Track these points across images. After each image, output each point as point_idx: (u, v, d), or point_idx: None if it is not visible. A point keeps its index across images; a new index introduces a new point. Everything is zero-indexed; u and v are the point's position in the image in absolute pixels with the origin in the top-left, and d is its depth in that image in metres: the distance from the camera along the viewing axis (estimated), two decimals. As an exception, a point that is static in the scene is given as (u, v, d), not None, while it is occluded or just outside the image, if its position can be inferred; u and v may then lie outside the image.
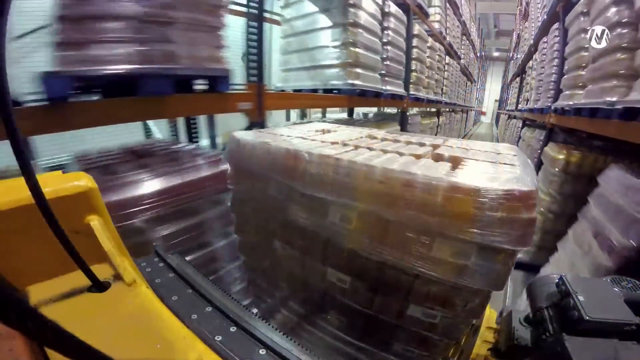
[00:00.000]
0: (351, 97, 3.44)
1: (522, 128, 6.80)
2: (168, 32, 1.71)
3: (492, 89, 28.31)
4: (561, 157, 3.11)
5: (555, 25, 4.11)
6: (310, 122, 2.76)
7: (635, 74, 2.16)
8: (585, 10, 3.00)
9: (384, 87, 4.14)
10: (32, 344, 0.58)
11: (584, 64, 3.00)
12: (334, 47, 3.24)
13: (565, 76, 3.56)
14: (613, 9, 2.35)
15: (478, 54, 17.77)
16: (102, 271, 0.70)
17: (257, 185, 1.65)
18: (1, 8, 0.42)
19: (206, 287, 1.69)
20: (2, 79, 0.45)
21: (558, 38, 3.89)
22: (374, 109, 7.19)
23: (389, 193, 1.14)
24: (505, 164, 1.25)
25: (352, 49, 3.20)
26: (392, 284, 1.32)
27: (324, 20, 3.25)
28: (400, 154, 1.38)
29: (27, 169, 0.51)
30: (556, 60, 3.94)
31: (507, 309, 1.16)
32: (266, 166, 1.55)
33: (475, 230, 1.04)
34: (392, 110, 6.64)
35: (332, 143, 1.54)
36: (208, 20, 1.86)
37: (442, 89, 7.73)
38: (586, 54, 2.96)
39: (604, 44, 2.41)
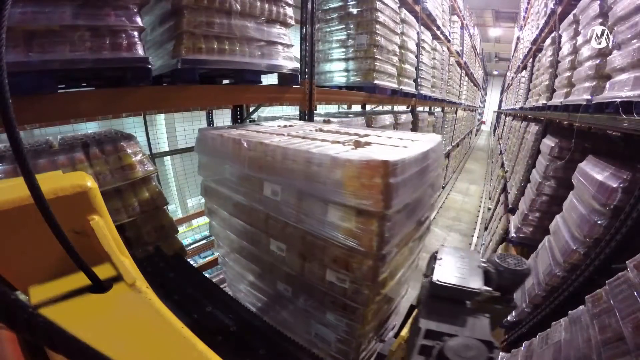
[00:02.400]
0: (417, 100, 5.86)
1: (506, 118, 12.06)
2: (273, 30, 2.22)
3: (492, 96, 32.56)
4: (509, 119, 9.16)
5: (523, 73, 8.00)
6: (278, 118, 3.19)
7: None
8: (529, 73, 6.71)
9: (439, 96, 7.47)
10: (32, 345, 0.58)
11: (531, 90, 6.43)
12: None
13: (530, 92, 6.93)
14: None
15: (483, 70, 22.68)
16: (103, 271, 0.69)
17: (217, 172, 1.97)
18: (0, 10, 0.42)
19: (206, 287, 1.70)
20: (1, 80, 0.45)
21: (524, 79, 7.47)
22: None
23: (297, 168, 1.43)
24: (404, 147, 1.48)
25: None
26: (312, 249, 1.55)
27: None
28: (323, 141, 1.62)
29: (26, 169, 0.50)
30: (522, 84, 7.73)
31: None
32: (221, 154, 1.85)
33: (347, 195, 1.26)
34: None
35: (278, 135, 1.77)
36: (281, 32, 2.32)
37: (459, 96, 11.17)
38: (534, 90, 5.92)
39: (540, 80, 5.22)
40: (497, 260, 0.97)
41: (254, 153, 1.60)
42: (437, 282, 0.90)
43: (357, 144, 1.53)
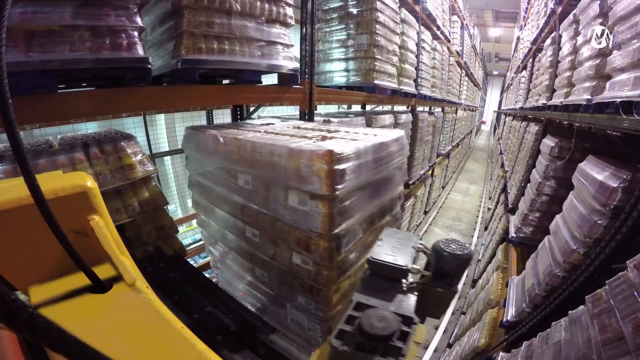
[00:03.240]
0: (417, 99, 5.80)
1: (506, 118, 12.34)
2: (273, 30, 2.23)
3: (492, 96, 32.82)
4: (509, 118, 9.64)
5: (523, 73, 8.06)
6: (262, 117, 3.34)
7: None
8: (529, 73, 6.79)
9: (439, 96, 7.45)
10: (32, 345, 0.58)
11: (531, 90, 6.53)
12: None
13: (530, 92, 7.03)
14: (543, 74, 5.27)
15: (483, 70, 22.79)
16: (103, 271, 0.69)
17: (200, 165, 2.15)
18: (0, 10, 0.42)
19: (206, 287, 1.70)
20: (1, 80, 0.45)
21: (524, 79, 7.58)
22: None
23: (262, 159, 1.60)
24: (359, 140, 1.63)
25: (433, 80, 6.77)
26: (280, 233, 1.69)
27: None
28: (292, 136, 1.73)
29: (26, 169, 0.50)
30: (522, 84, 7.84)
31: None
32: (203, 149, 2.02)
33: (301, 181, 1.44)
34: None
35: (254, 132, 1.94)
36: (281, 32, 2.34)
37: (459, 96, 11.14)
38: (534, 90, 5.93)
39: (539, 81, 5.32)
40: (441, 245, 1.01)
41: (229, 147, 1.79)
42: (370, 258, 0.95)
43: (323, 138, 1.65)
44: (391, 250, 1.00)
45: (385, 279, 0.93)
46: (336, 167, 1.35)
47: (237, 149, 1.74)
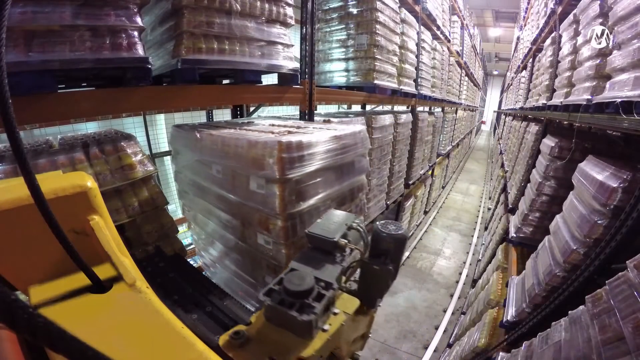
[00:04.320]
0: (417, 99, 5.82)
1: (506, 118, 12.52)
2: (273, 30, 2.25)
3: (492, 96, 33.01)
4: (509, 118, 9.85)
5: (523, 73, 8.08)
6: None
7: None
8: (529, 73, 6.81)
9: (439, 96, 7.53)
10: (32, 345, 0.58)
11: (531, 90, 6.61)
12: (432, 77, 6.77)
13: (530, 92, 7.16)
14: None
15: (483, 70, 23.05)
16: (103, 271, 0.69)
17: (184, 159, 2.36)
18: (0, 10, 0.42)
19: (206, 287, 1.70)
20: (1, 80, 0.45)
21: (524, 79, 7.59)
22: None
23: (229, 151, 1.79)
24: (317, 134, 1.80)
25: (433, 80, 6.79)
26: (247, 217, 1.87)
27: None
28: (260, 132, 1.90)
29: (26, 169, 0.50)
30: (522, 84, 7.86)
31: None
32: (185, 145, 2.23)
33: (258, 167, 1.64)
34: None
35: (230, 129, 2.08)
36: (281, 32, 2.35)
37: (459, 96, 11.30)
38: (534, 90, 5.97)
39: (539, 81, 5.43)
40: (379, 226, 1.10)
41: (204, 142, 1.99)
42: (308, 232, 1.06)
43: (288, 133, 1.81)
44: (328, 226, 1.10)
45: (321, 251, 1.03)
46: (284, 155, 1.58)
47: (210, 143, 1.95)
